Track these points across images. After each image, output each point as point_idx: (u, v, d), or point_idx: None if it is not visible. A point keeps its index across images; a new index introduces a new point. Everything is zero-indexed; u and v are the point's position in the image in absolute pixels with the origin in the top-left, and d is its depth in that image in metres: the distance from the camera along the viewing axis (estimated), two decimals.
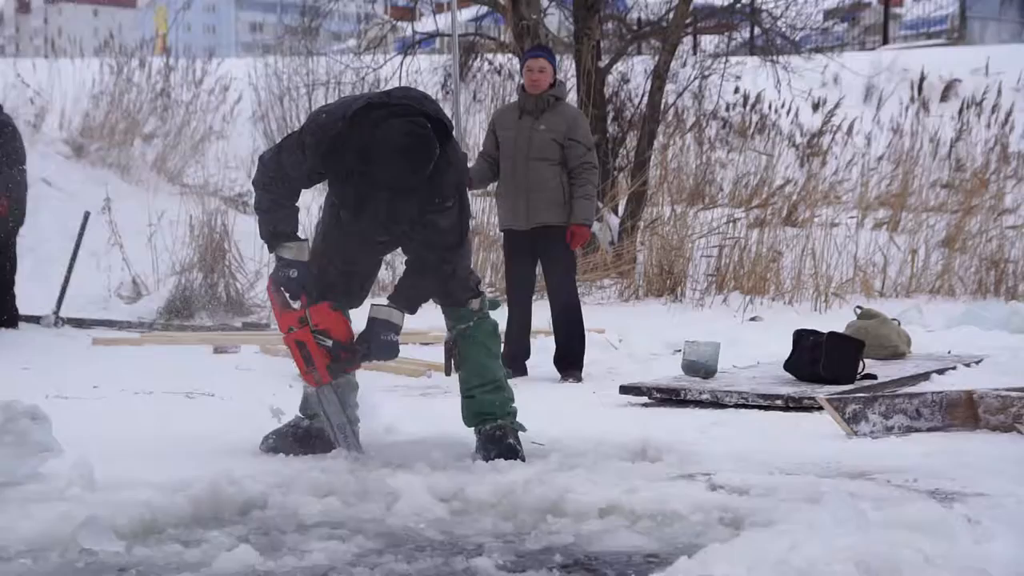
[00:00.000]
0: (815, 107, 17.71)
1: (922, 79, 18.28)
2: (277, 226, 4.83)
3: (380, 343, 4.80)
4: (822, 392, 6.47)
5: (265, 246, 4.99)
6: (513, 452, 4.89)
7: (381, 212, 4.77)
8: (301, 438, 5.01)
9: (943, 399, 5.83)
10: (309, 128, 4.73)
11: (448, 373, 5.06)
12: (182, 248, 11.62)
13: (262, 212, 4.86)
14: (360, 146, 4.54)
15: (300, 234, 4.89)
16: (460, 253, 4.97)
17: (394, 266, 10.99)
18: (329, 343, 4.80)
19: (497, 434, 4.97)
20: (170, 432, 5.46)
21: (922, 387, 6.90)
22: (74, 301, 10.68)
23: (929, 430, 5.69)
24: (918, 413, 5.75)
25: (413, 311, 4.92)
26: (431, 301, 5.10)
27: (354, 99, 4.79)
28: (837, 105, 17.47)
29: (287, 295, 4.85)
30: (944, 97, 20.13)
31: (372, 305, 4.88)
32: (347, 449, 4.89)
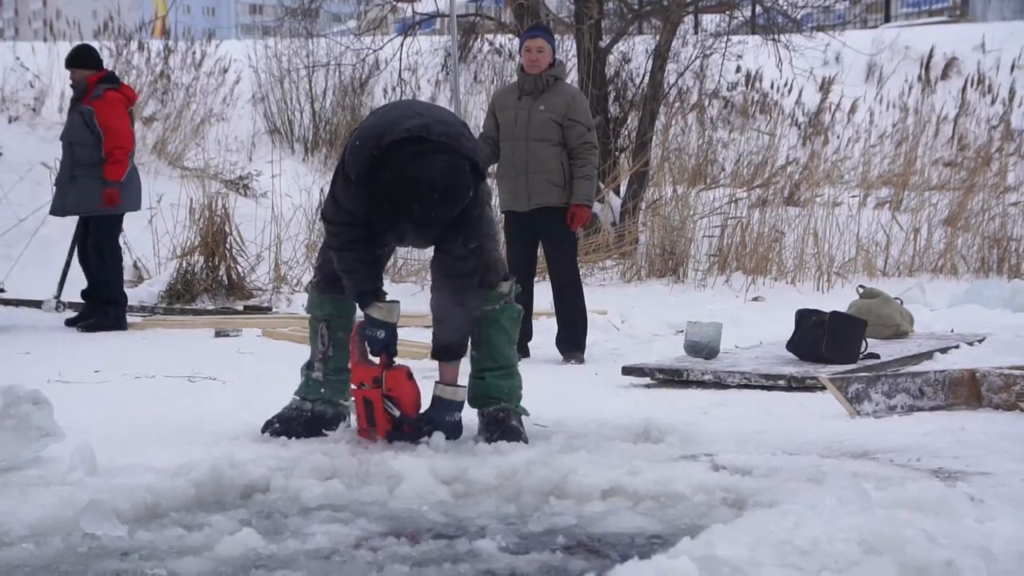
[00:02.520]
0: (821, 87, 17.66)
1: (930, 57, 18.24)
2: (363, 286, 4.78)
3: (448, 425, 4.80)
4: (825, 372, 6.47)
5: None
6: (516, 434, 4.88)
7: (404, 232, 4.73)
8: (305, 422, 5.01)
9: (946, 378, 5.82)
10: (348, 162, 4.65)
11: (464, 355, 5.05)
12: (183, 231, 11.61)
13: (346, 274, 4.80)
14: (394, 181, 4.45)
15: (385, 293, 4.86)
16: (485, 247, 4.90)
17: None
18: (397, 413, 4.76)
19: (500, 416, 4.96)
20: (172, 416, 5.46)
21: (925, 366, 6.90)
22: (75, 285, 10.68)
23: (932, 409, 5.68)
24: (921, 392, 5.73)
25: (459, 357, 4.91)
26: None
27: (390, 122, 4.63)
28: (832, 81, 17.43)
29: (368, 349, 4.81)
30: (945, 75, 20.08)
31: (436, 384, 4.86)
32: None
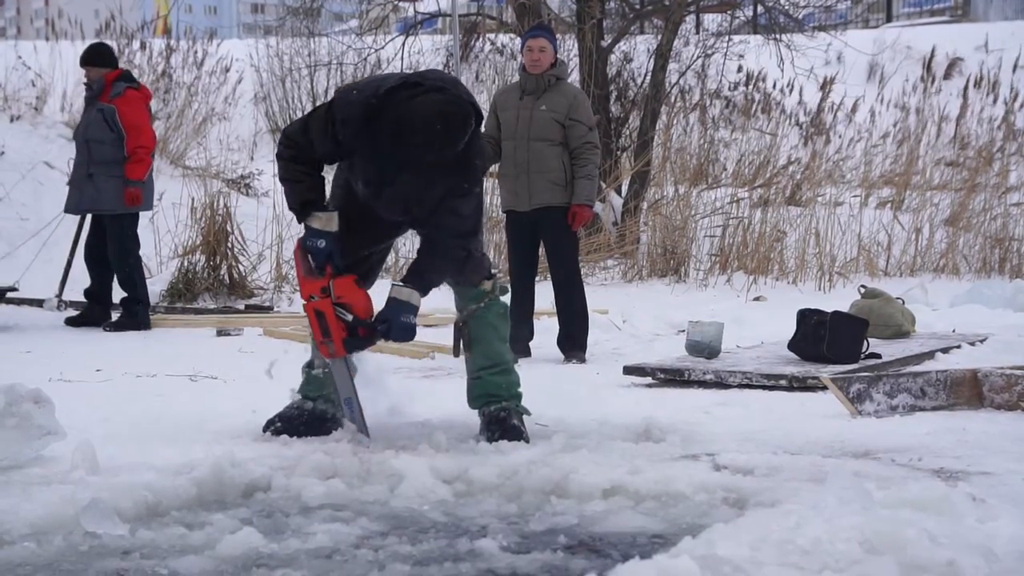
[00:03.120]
0: (822, 86, 17.66)
1: (932, 56, 18.24)
2: (306, 195, 4.80)
3: (399, 324, 4.76)
4: (826, 372, 6.46)
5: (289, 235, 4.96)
6: (517, 433, 4.88)
7: (405, 191, 4.73)
8: (307, 421, 5.00)
9: (947, 378, 5.82)
10: (339, 104, 4.68)
11: (456, 354, 5.06)
12: (185, 230, 11.62)
13: (289, 183, 4.83)
14: (394, 118, 4.49)
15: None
16: (476, 237, 4.96)
17: (396, 248, 10.99)
18: (349, 317, 4.76)
19: (501, 415, 4.96)
20: (173, 415, 5.46)
21: (927, 366, 6.90)
22: (77, 284, 10.68)
23: (933, 409, 5.68)
24: (922, 392, 5.73)
25: (426, 294, 4.90)
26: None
27: (385, 77, 4.76)
28: (832, 81, 17.42)
29: (312, 263, 4.82)
30: (947, 75, 20.09)
31: (392, 285, 4.84)
32: (352, 423, 4.89)
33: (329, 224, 4.78)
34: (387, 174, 4.66)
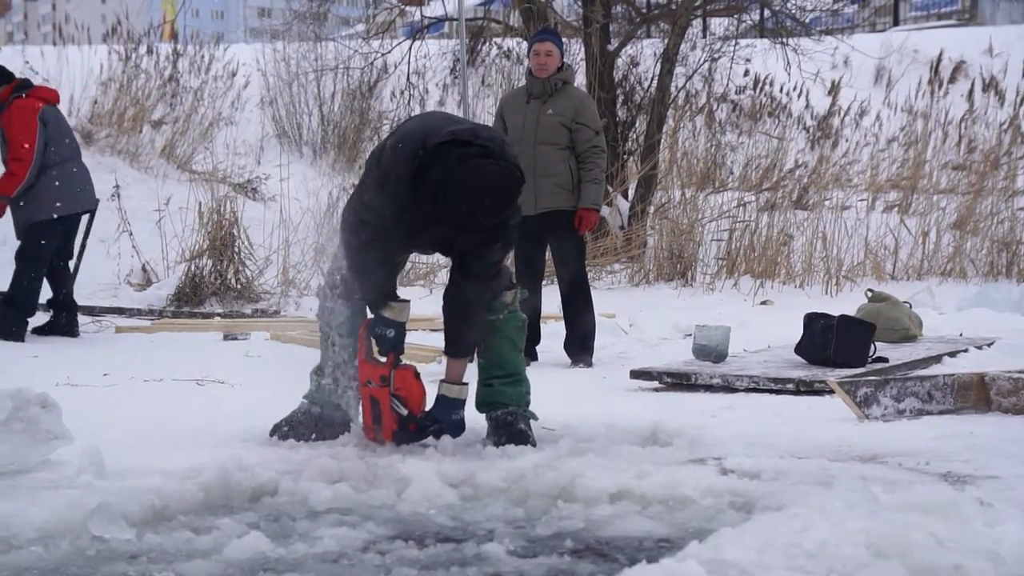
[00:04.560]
0: (829, 90, 17.65)
1: (939, 60, 18.20)
2: (381, 287, 4.79)
3: (450, 423, 4.82)
4: (833, 376, 6.46)
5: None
6: (524, 437, 4.89)
7: (438, 239, 4.74)
8: (315, 426, 5.00)
9: (955, 382, 5.81)
10: (389, 162, 4.59)
11: (471, 360, 5.05)
12: (191, 235, 11.62)
13: (362, 274, 4.76)
14: (441, 180, 4.42)
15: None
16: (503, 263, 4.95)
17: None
18: (404, 412, 4.75)
19: (508, 419, 4.96)
20: (180, 419, 5.47)
21: (934, 370, 6.89)
22: (84, 288, 10.70)
23: (941, 413, 5.68)
24: (930, 396, 5.73)
25: (470, 355, 4.96)
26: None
27: (430, 128, 4.60)
28: (840, 85, 17.40)
29: (376, 348, 4.80)
30: (952, 78, 20.07)
31: (440, 383, 4.86)
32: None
33: (401, 315, 4.78)
34: (424, 224, 4.64)
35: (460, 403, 4.87)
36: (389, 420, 4.76)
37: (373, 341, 4.80)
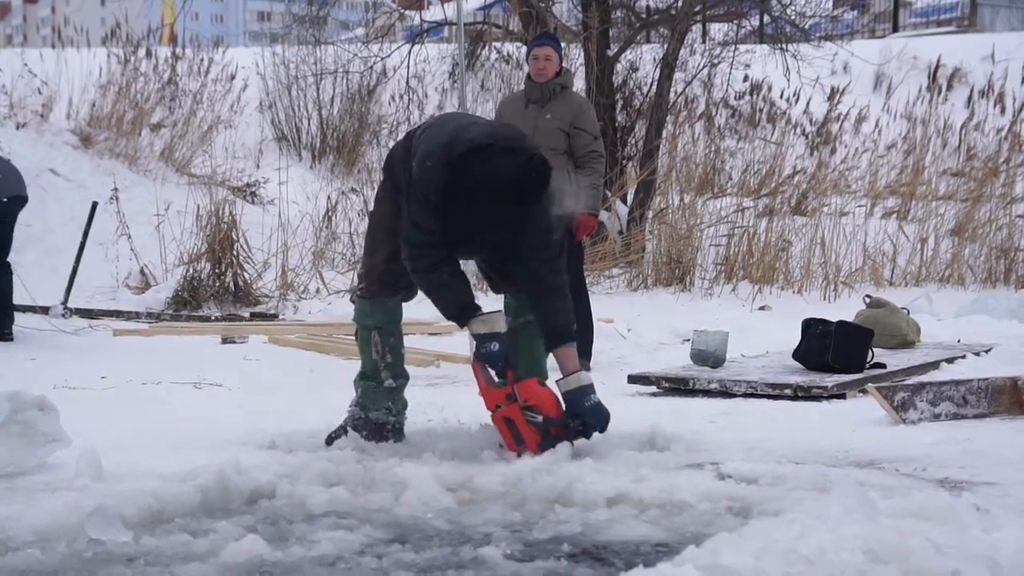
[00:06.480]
0: (828, 96, 17.66)
1: (937, 67, 18.22)
2: (462, 299, 4.75)
3: (588, 410, 4.74)
4: (831, 381, 6.47)
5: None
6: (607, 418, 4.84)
7: (482, 245, 4.76)
8: (371, 429, 4.99)
9: (989, 386, 5.87)
10: (420, 181, 4.64)
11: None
12: (190, 238, 11.63)
13: (438, 292, 4.77)
14: (472, 187, 4.49)
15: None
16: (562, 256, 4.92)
17: None
18: (540, 419, 4.67)
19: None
20: (178, 422, 5.47)
21: (968, 375, 6.79)
22: (82, 291, 10.70)
23: (975, 417, 5.74)
24: (964, 400, 5.78)
25: (573, 339, 4.87)
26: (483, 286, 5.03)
27: (451, 137, 4.65)
28: (841, 92, 17.41)
29: (491, 371, 4.76)
30: (951, 85, 20.08)
31: (557, 381, 4.81)
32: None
33: (495, 325, 4.74)
34: (466, 233, 4.66)
35: (587, 388, 4.77)
36: (530, 434, 4.67)
37: (486, 365, 4.73)
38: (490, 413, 4.77)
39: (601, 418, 4.77)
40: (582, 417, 4.73)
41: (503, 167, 4.48)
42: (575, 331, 4.82)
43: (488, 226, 4.60)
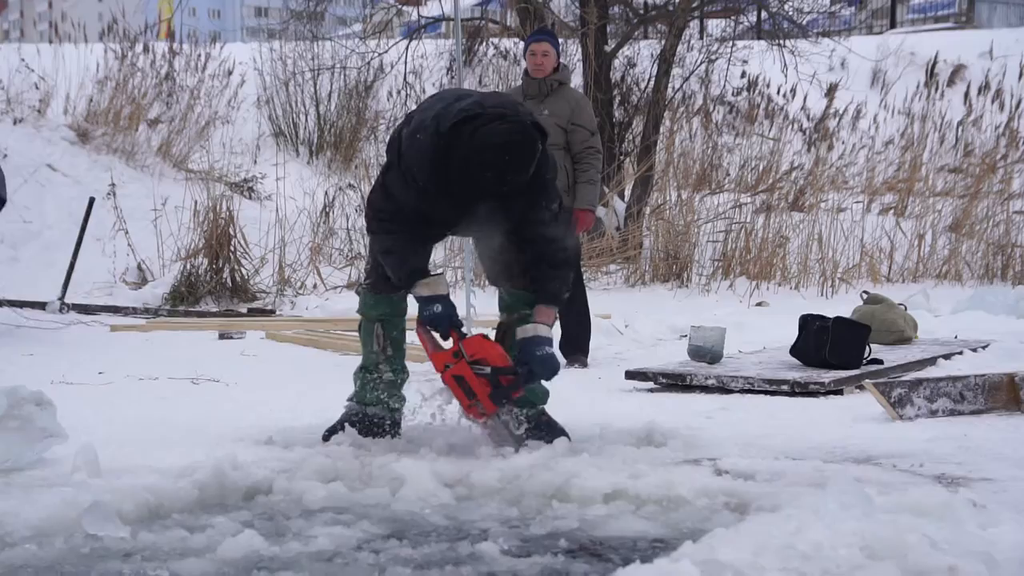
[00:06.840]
0: (826, 92, 17.67)
1: (935, 63, 18.22)
2: (410, 263, 4.74)
3: (539, 359, 4.72)
4: (828, 377, 6.47)
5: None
6: (564, 432, 4.87)
7: (481, 220, 4.71)
8: (369, 424, 4.98)
9: (985, 382, 5.89)
10: (408, 155, 4.63)
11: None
12: (187, 234, 11.62)
13: (390, 255, 4.76)
14: (463, 156, 4.45)
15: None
16: (569, 235, 4.92)
17: None
18: (487, 370, 4.68)
19: (545, 419, 4.97)
20: (175, 418, 5.47)
21: (965, 370, 6.81)
22: (79, 287, 10.69)
23: (972, 413, 5.75)
24: (961, 396, 5.80)
25: (557, 304, 4.84)
26: (483, 280, 5.01)
27: (440, 111, 4.62)
28: (837, 87, 17.40)
29: (436, 334, 4.76)
30: (951, 82, 20.09)
31: (516, 329, 4.81)
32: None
33: (437, 287, 4.74)
34: (462, 207, 4.64)
35: (542, 339, 4.74)
36: (480, 387, 4.68)
37: (430, 328, 4.75)
38: (439, 375, 4.77)
39: (548, 368, 4.75)
40: (530, 364, 4.71)
41: (492, 133, 4.43)
42: (570, 319, 4.75)
43: (483, 195, 4.55)
